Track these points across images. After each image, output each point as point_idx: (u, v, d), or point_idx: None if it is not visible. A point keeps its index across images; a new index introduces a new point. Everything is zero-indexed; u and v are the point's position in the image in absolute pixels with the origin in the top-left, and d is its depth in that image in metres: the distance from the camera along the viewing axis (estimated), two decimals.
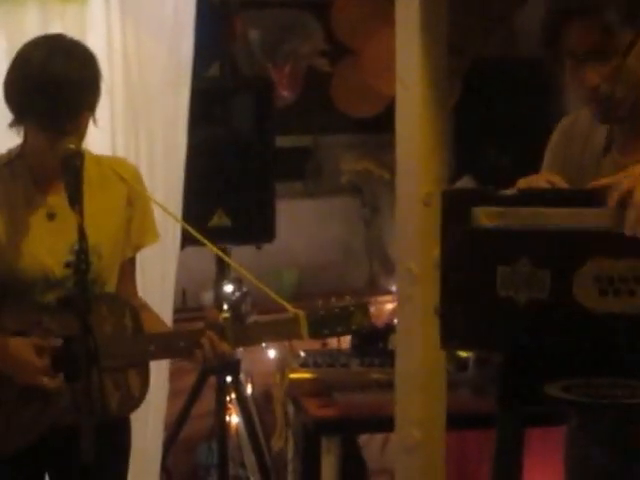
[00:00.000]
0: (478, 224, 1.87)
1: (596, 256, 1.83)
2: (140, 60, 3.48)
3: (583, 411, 2.20)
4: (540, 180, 2.08)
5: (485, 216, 1.89)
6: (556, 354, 1.89)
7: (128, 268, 2.63)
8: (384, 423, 3.06)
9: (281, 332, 2.53)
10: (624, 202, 1.82)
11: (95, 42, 3.15)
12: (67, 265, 2.33)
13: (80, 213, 2.18)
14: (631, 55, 2.02)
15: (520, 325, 1.88)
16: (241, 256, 3.82)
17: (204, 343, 2.41)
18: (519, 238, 1.87)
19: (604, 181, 1.91)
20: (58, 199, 2.39)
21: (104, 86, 2.46)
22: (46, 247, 2.45)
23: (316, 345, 3.73)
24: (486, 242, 1.88)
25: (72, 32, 2.61)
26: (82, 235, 2.16)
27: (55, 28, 3.20)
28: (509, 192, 1.92)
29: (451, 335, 1.91)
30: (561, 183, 2.07)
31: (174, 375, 3.75)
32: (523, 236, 1.87)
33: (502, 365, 1.93)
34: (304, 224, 5.08)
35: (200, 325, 2.48)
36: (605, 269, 1.83)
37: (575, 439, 2.32)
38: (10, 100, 2.40)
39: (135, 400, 2.48)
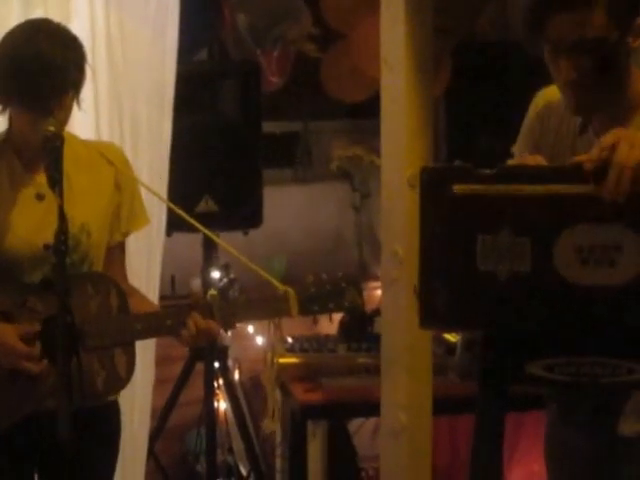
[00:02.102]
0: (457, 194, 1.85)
1: (577, 222, 1.81)
2: (124, 45, 3.45)
3: (564, 392, 2.19)
4: (529, 162, 2.06)
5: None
6: (538, 331, 1.87)
7: (117, 253, 2.62)
8: (371, 408, 3.05)
9: (270, 310, 2.49)
10: (606, 159, 1.79)
11: (79, 28, 3.12)
12: (46, 247, 2.32)
13: (60, 195, 2.17)
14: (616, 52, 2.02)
15: (501, 302, 1.85)
16: (229, 243, 3.75)
17: (189, 323, 2.40)
18: (500, 206, 1.84)
19: (584, 157, 1.88)
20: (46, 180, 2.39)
21: (88, 71, 2.46)
22: (34, 226, 2.44)
23: (304, 330, 3.71)
24: (466, 211, 1.86)
25: (55, 19, 2.59)
26: (62, 217, 2.14)
27: (38, 15, 3.17)
28: (489, 170, 1.90)
29: (431, 314, 1.89)
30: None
31: (161, 363, 3.73)
32: (504, 204, 1.84)
33: (482, 344, 1.92)
34: (294, 210, 5.07)
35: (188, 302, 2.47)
36: (586, 236, 1.81)
37: (555, 424, 2.31)
38: None
39: (121, 380, 2.47)
